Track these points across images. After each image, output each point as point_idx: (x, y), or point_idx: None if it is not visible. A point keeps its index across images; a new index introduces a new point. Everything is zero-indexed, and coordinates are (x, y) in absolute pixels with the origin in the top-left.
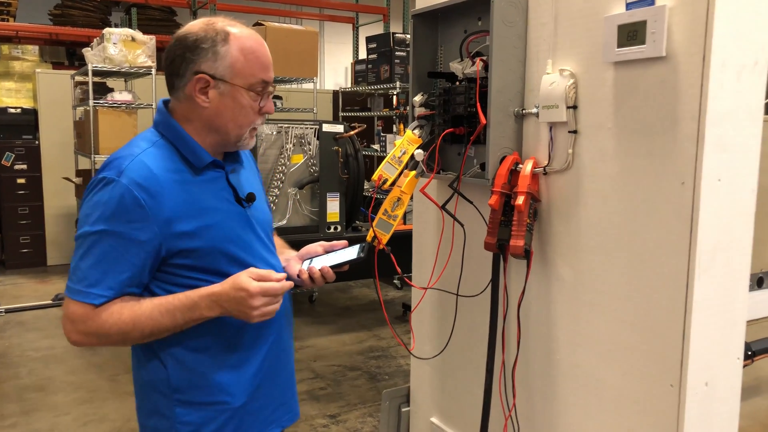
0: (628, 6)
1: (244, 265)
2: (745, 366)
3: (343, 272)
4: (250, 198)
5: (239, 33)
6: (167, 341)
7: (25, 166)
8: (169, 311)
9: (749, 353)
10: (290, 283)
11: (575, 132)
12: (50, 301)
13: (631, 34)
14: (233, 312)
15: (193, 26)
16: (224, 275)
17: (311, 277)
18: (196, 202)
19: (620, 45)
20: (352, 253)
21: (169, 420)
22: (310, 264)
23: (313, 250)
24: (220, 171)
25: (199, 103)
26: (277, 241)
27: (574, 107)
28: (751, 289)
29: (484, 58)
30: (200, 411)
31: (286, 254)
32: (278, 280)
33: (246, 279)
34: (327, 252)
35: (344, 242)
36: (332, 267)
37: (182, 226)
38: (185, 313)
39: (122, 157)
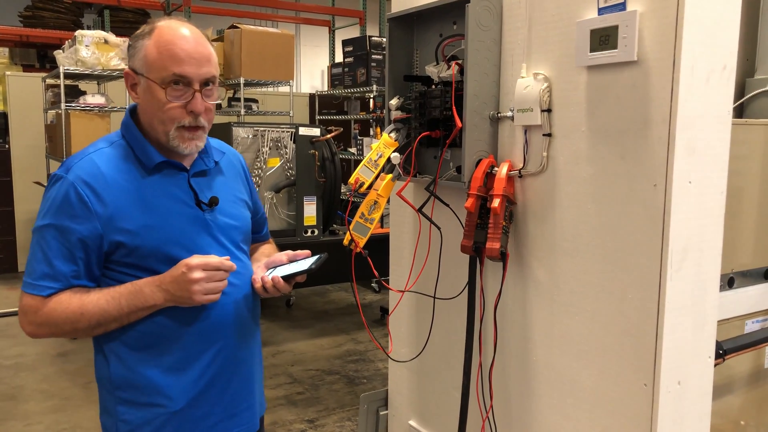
0: (600, 11)
1: None
2: (716, 365)
3: (319, 276)
4: (212, 202)
5: (165, 27)
6: (109, 337)
7: None
8: (114, 298)
9: (720, 352)
10: (232, 264)
11: (550, 135)
12: None
13: (603, 38)
14: (176, 294)
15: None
16: None
17: (264, 287)
18: (143, 201)
19: (593, 49)
20: (304, 264)
21: (113, 417)
22: (272, 273)
23: (278, 258)
24: (181, 173)
25: (134, 99)
26: (267, 248)
27: (549, 110)
28: (722, 289)
29: (460, 61)
30: (138, 411)
31: (259, 262)
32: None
33: (187, 258)
34: (290, 261)
35: (307, 252)
36: (286, 277)
37: (123, 223)
38: (130, 300)
39: (76, 156)
